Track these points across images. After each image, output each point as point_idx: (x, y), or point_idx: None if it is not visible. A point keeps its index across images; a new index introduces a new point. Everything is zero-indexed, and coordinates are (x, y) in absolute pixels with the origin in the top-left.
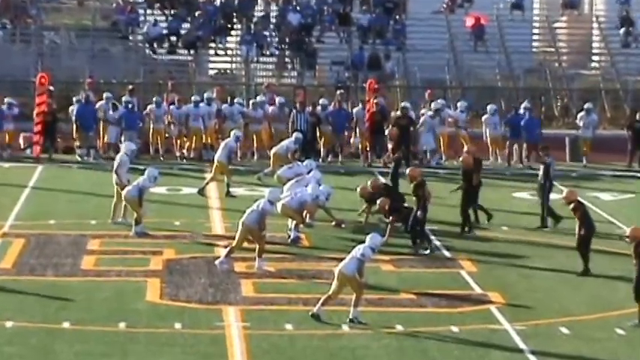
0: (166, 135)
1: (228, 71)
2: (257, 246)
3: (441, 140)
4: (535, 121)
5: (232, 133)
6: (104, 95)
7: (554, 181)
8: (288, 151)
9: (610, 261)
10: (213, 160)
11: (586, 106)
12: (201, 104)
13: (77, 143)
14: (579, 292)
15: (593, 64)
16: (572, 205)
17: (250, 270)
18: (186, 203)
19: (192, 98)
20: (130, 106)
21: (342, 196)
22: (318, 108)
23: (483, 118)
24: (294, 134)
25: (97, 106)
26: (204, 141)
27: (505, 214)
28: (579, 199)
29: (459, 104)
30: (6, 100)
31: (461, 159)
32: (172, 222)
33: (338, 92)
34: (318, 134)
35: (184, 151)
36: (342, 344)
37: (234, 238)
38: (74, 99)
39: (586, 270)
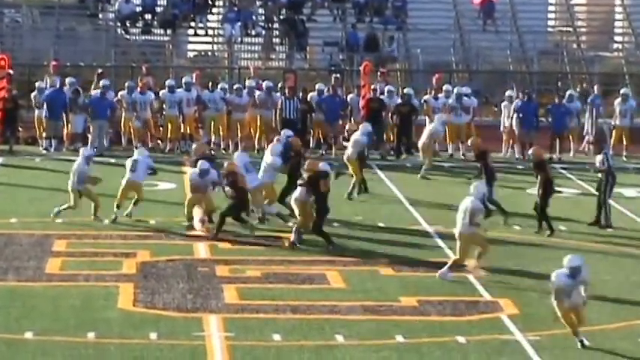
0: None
1: (209, 53)
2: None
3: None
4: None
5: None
6: (67, 80)
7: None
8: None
9: (634, 265)
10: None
11: (623, 91)
12: (179, 90)
13: (44, 133)
14: (599, 299)
15: (616, 46)
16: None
17: (234, 274)
18: (163, 200)
19: (167, 83)
20: (101, 92)
21: (340, 192)
22: (311, 94)
23: (503, 104)
24: (282, 132)
25: (119, 95)
26: (182, 131)
27: (518, 212)
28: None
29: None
30: None
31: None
32: (147, 221)
33: (333, 77)
34: (309, 123)
35: (159, 142)
36: (336, 357)
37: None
38: (36, 84)
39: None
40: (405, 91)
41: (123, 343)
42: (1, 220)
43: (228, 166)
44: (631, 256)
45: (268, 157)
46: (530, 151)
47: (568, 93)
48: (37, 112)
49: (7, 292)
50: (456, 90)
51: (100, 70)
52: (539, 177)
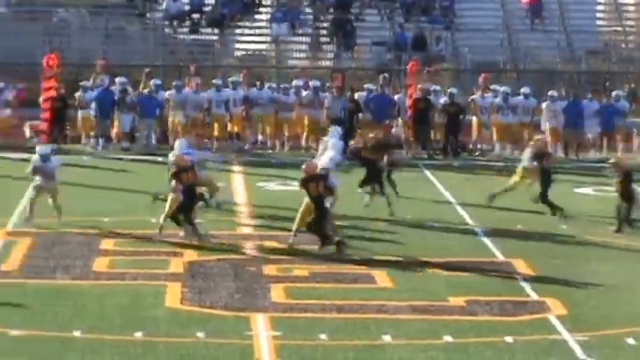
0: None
1: (257, 52)
2: None
3: (494, 130)
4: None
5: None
6: (117, 80)
7: None
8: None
9: None
10: (240, 151)
11: None
12: (226, 89)
13: (92, 132)
14: None
15: None
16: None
17: (281, 273)
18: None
19: (214, 82)
20: (149, 91)
21: (387, 191)
22: (359, 93)
23: (543, 105)
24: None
25: (167, 94)
26: (229, 129)
27: (566, 211)
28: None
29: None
30: None
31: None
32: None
33: (381, 76)
34: (356, 122)
35: (206, 141)
36: (383, 357)
37: (262, 238)
38: (81, 84)
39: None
40: (451, 90)
41: (170, 341)
42: (50, 219)
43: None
44: None
45: (330, 152)
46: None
47: (615, 93)
48: (80, 111)
49: (55, 291)
50: (502, 89)
51: (147, 70)
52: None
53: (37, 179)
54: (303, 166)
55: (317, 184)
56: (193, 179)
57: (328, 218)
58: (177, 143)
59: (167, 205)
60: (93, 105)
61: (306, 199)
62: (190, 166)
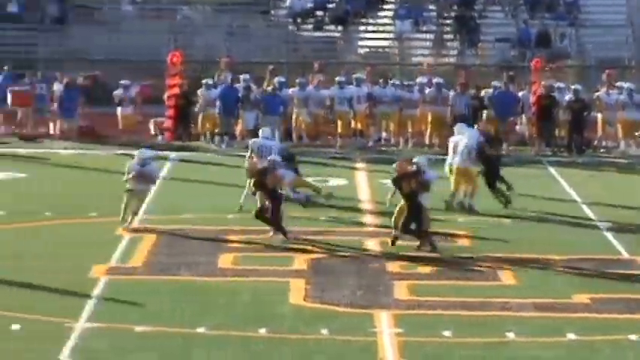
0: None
1: (380, 49)
2: None
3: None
4: None
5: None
6: (241, 77)
7: None
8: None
9: None
10: (363, 148)
11: None
12: (350, 86)
13: (216, 130)
14: None
15: None
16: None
17: (404, 270)
18: (337, 197)
19: (337, 79)
20: (273, 88)
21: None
22: (485, 90)
23: None
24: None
25: (290, 92)
26: (353, 127)
27: None
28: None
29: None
30: (121, 82)
31: None
32: (318, 217)
33: (505, 73)
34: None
35: (329, 138)
36: (507, 354)
37: (385, 235)
38: (203, 82)
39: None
40: (575, 87)
41: (294, 338)
42: (175, 216)
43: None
44: None
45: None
46: None
47: None
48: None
49: (180, 288)
50: (627, 85)
51: (272, 67)
52: None
53: (131, 183)
54: (394, 165)
55: (410, 182)
56: (273, 182)
57: (424, 215)
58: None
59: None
60: (217, 103)
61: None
62: (264, 170)
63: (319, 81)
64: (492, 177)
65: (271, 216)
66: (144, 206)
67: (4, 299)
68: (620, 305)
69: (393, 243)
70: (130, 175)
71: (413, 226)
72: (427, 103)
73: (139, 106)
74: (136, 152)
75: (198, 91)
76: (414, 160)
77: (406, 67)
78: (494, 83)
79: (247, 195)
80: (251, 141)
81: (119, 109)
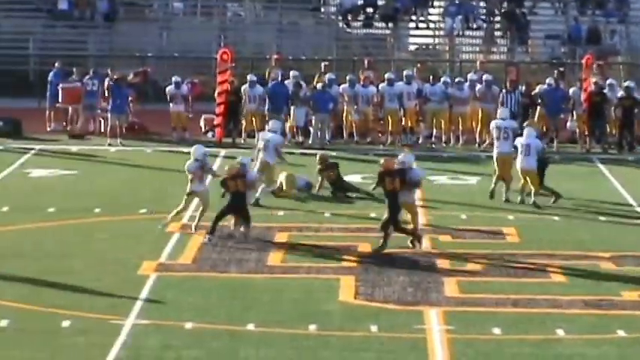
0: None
1: (430, 46)
2: None
3: None
4: None
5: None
6: (291, 73)
7: None
8: None
9: None
10: (411, 145)
11: None
12: (399, 83)
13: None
14: None
15: None
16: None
17: (454, 267)
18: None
19: (386, 76)
20: (323, 85)
21: (560, 185)
22: (539, 87)
23: None
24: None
25: (341, 89)
26: (403, 124)
27: None
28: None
29: None
30: (173, 78)
31: None
32: (367, 213)
33: (556, 70)
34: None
35: (379, 135)
36: (557, 351)
37: (435, 232)
38: (248, 77)
39: None
40: (626, 84)
41: (343, 335)
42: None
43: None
44: None
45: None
46: None
47: None
48: (247, 105)
49: (229, 285)
50: None
51: (324, 64)
52: None
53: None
54: (382, 161)
55: (393, 180)
56: (242, 187)
57: (413, 213)
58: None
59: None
60: (266, 100)
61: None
62: (240, 174)
63: (366, 78)
64: (542, 175)
65: (219, 213)
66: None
67: (54, 296)
68: None
69: (413, 244)
70: (190, 177)
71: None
72: (477, 100)
73: (190, 103)
74: (190, 150)
75: (242, 88)
76: (400, 157)
77: (456, 64)
78: (548, 80)
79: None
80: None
81: (171, 106)
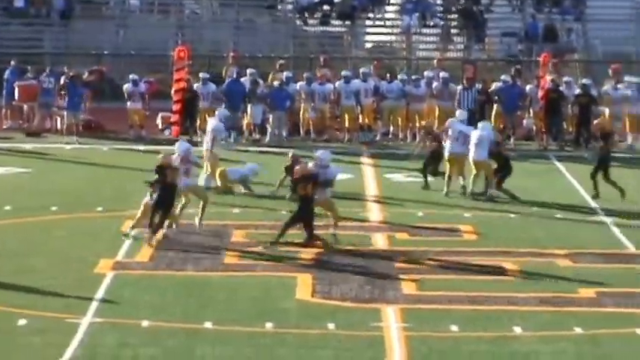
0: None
1: (387, 44)
2: None
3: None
4: None
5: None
6: (248, 71)
7: None
8: None
9: None
10: (368, 142)
11: None
12: (356, 81)
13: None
14: None
15: None
16: None
17: (411, 265)
18: (341, 190)
19: (343, 73)
20: (280, 83)
21: (517, 183)
22: (496, 84)
23: None
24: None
25: (298, 86)
26: (359, 122)
27: None
28: None
29: None
30: (130, 76)
31: None
32: (326, 212)
33: (513, 68)
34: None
35: (337, 132)
36: (513, 349)
37: (391, 230)
38: (200, 75)
39: None
40: (584, 81)
41: (300, 333)
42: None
43: (161, 160)
44: None
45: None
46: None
47: None
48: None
49: (186, 283)
50: (634, 80)
51: (281, 62)
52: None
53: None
54: (297, 167)
55: (306, 185)
56: (172, 176)
57: (334, 213)
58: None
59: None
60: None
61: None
62: (174, 167)
63: (323, 75)
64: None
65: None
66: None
67: (10, 295)
68: (626, 299)
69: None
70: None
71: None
72: (434, 97)
73: (147, 100)
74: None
75: (194, 86)
76: (317, 153)
77: (413, 62)
78: (503, 77)
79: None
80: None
81: (128, 104)
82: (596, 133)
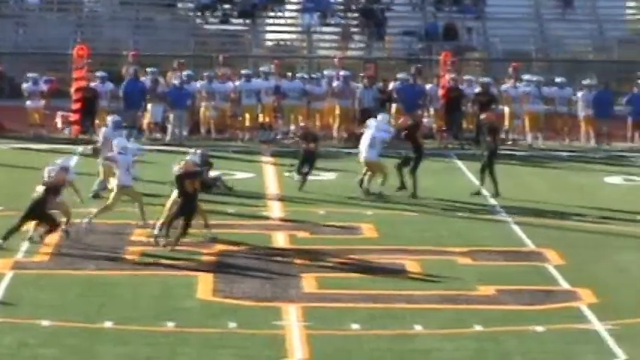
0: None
1: (287, 43)
2: None
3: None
4: None
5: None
6: (148, 70)
7: None
8: None
9: None
10: (268, 141)
11: None
12: (256, 79)
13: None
14: None
15: None
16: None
17: (312, 263)
18: (241, 189)
19: (243, 72)
20: (180, 81)
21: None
22: (393, 83)
23: (579, 94)
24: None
25: (198, 85)
26: (260, 120)
27: (596, 200)
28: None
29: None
30: (29, 75)
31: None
32: (226, 210)
33: (414, 66)
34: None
35: (237, 131)
36: (414, 346)
37: (292, 228)
38: (97, 74)
39: None
40: (484, 80)
41: (202, 332)
42: (81, 210)
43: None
44: None
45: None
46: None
47: None
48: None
49: (86, 281)
50: (535, 78)
51: (181, 60)
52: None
53: None
54: (182, 162)
55: (193, 182)
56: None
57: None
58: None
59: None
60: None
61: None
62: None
63: (223, 74)
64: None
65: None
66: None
67: None
68: (526, 296)
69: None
70: None
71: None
72: (334, 96)
73: (48, 99)
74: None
75: (93, 84)
76: (189, 157)
77: (313, 61)
78: (400, 76)
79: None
80: None
81: (28, 103)
82: (483, 127)
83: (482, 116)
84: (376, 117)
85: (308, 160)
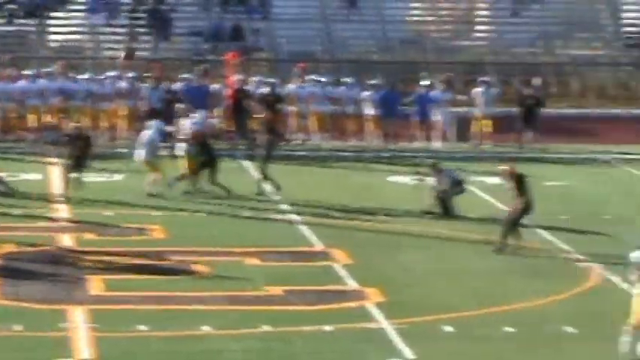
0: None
1: (73, 43)
2: None
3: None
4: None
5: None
6: None
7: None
8: None
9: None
10: (55, 142)
11: (484, 79)
12: (42, 80)
13: None
14: (462, 286)
15: (478, 35)
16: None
17: (99, 265)
18: (28, 190)
19: (27, 73)
20: None
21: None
22: (178, 84)
23: (365, 94)
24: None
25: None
26: (44, 120)
27: (381, 199)
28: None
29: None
30: None
31: None
32: (11, 212)
33: (202, 66)
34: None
35: (23, 132)
36: (202, 347)
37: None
38: None
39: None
40: (270, 80)
41: None
42: None
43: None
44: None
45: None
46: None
47: (429, 82)
48: None
49: None
50: (322, 79)
51: None
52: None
53: None
54: None
55: None
56: None
57: None
58: None
59: None
60: None
61: None
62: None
63: (8, 75)
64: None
65: None
66: None
67: None
68: (313, 296)
69: None
70: None
71: None
72: (121, 97)
73: None
74: None
75: None
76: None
77: (99, 61)
78: (184, 76)
79: None
80: None
81: None
82: (260, 125)
83: (259, 116)
84: (162, 118)
85: (79, 161)
